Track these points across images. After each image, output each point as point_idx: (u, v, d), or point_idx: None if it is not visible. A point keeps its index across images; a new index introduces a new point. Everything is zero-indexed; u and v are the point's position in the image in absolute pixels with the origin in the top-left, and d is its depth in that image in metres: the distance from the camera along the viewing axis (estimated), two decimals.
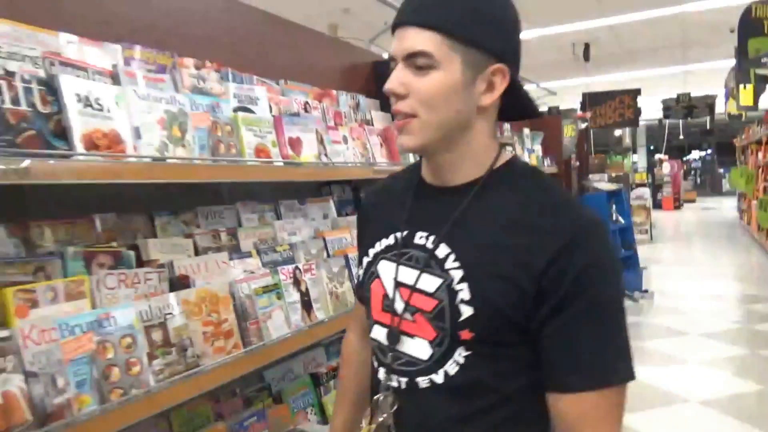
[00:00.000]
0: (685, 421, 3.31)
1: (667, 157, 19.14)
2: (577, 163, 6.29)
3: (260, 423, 1.87)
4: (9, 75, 1.16)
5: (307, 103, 2.16)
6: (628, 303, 6.00)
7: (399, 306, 0.93)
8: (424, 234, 0.93)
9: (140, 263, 1.51)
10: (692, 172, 26.35)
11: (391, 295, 0.95)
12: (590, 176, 7.07)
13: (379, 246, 1.01)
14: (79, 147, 1.24)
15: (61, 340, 1.17)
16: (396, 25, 0.89)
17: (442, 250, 0.90)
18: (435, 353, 0.89)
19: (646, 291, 6.32)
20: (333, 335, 2.06)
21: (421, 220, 0.95)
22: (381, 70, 2.87)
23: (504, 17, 0.89)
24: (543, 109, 8.86)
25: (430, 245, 0.91)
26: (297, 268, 1.86)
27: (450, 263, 0.88)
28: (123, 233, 1.56)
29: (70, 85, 1.25)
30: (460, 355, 0.88)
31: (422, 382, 0.91)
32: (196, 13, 1.95)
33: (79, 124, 1.25)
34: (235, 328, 1.58)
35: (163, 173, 1.39)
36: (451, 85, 0.85)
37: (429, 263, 0.90)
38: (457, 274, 0.87)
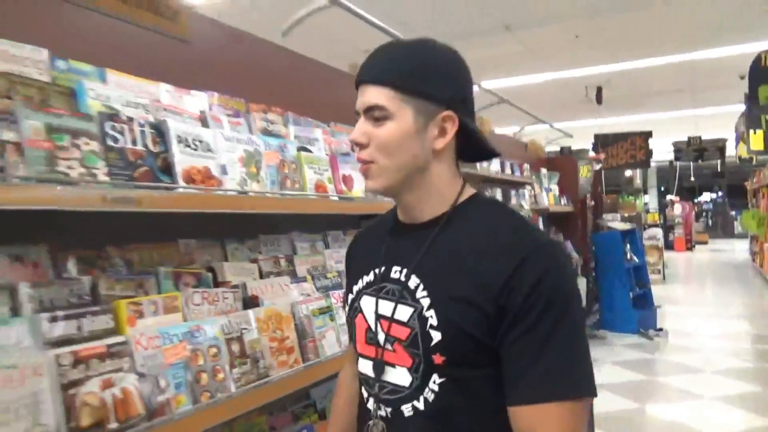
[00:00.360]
0: None
1: (678, 198, 19.29)
2: (592, 203, 6.47)
3: None
4: (129, 120, 1.37)
5: None
6: (643, 341, 6.09)
7: (381, 337, 0.98)
8: (399, 268, 0.99)
9: (215, 284, 1.70)
10: (704, 214, 26.41)
11: (373, 327, 1.00)
12: (604, 216, 7.23)
13: (362, 283, 1.07)
14: (180, 181, 1.45)
15: (163, 347, 1.35)
16: (357, 83, 0.99)
17: (413, 281, 0.96)
18: (414, 380, 0.94)
19: (660, 329, 6.41)
20: None
21: (396, 255, 1.01)
22: None
23: (450, 69, 0.96)
24: (555, 149, 9.09)
25: (403, 278, 0.98)
26: None
27: (420, 292, 0.94)
28: (200, 257, 1.76)
29: (174, 128, 1.46)
30: (435, 382, 0.92)
31: (406, 410, 0.95)
32: (258, 62, 2.19)
33: (180, 161, 1.46)
34: (295, 345, 1.76)
35: (245, 205, 1.59)
36: (404, 132, 0.94)
37: (403, 294, 0.96)
38: (426, 302, 0.93)
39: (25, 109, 1.16)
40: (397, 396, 0.96)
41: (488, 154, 1.06)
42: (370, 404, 1.01)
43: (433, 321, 0.91)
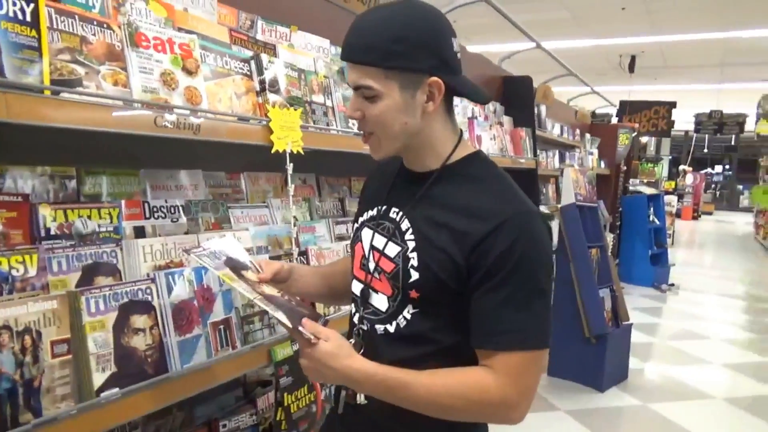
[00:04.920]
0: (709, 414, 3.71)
1: (690, 168, 19.84)
2: (625, 168, 7.12)
3: None
4: None
5: (473, 108, 3.02)
6: (656, 293, 6.89)
7: (371, 266, 1.09)
8: (396, 209, 1.08)
9: None
10: (712, 186, 26.96)
11: (367, 256, 1.11)
12: (631, 180, 7.90)
13: (366, 215, 1.16)
14: None
15: None
16: (343, 59, 1.02)
17: (405, 224, 1.05)
18: (390, 307, 1.06)
19: (672, 284, 7.24)
20: None
21: (396, 198, 1.10)
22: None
23: (428, 36, 0.96)
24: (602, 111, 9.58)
25: (398, 219, 1.07)
26: None
27: (408, 235, 1.04)
28: None
29: None
30: (408, 312, 1.04)
31: (379, 329, 1.07)
32: None
33: None
34: None
35: None
36: (394, 107, 0.98)
37: (395, 234, 1.06)
38: (411, 245, 1.02)
39: None
40: (376, 317, 1.09)
41: (479, 98, 1.08)
42: (356, 319, 1.15)
43: (414, 262, 1.01)
